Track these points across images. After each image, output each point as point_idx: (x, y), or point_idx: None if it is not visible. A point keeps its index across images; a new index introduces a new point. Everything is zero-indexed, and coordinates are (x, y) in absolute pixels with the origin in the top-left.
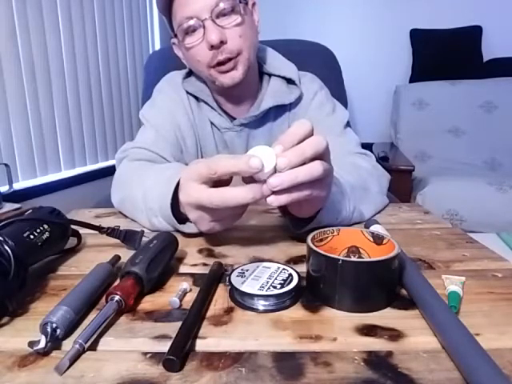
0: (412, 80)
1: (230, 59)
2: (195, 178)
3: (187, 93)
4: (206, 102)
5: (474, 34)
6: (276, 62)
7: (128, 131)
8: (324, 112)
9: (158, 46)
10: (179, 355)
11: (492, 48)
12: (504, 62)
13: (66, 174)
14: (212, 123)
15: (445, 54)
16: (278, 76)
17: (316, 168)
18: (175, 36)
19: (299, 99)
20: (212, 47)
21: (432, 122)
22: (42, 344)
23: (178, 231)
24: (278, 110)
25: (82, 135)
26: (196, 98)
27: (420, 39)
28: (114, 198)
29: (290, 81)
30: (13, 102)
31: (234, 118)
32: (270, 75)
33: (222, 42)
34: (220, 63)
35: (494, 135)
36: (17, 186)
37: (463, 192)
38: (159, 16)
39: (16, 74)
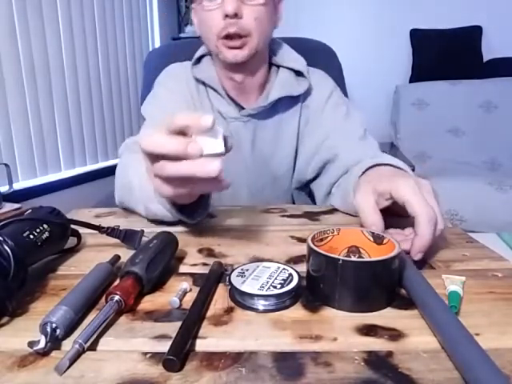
0: (412, 80)
1: (239, 36)
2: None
3: (196, 80)
4: (214, 89)
5: (474, 34)
6: (285, 54)
7: (128, 130)
8: (340, 114)
9: (157, 44)
10: (179, 355)
11: (492, 48)
12: (504, 62)
13: (66, 174)
14: (219, 112)
15: (445, 54)
16: (287, 68)
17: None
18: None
19: (309, 91)
20: (226, 16)
21: (432, 122)
22: (42, 344)
23: (176, 226)
24: (288, 102)
25: (82, 135)
26: (204, 84)
27: (420, 39)
28: (116, 191)
29: (298, 73)
30: (13, 102)
31: (242, 108)
32: (278, 67)
33: (237, 15)
34: (228, 37)
35: (493, 135)
36: (17, 186)
37: (463, 192)
38: (159, 13)
39: (16, 74)
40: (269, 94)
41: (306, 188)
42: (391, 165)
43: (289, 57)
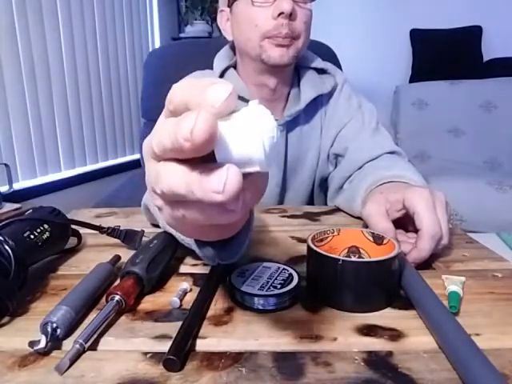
0: (412, 80)
1: (288, 38)
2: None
3: None
4: (247, 101)
5: (474, 33)
6: (305, 54)
7: (128, 130)
8: (352, 105)
9: (157, 44)
10: (179, 355)
11: (492, 48)
12: (504, 62)
13: (66, 174)
14: None
15: (445, 54)
16: (309, 67)
17: None
18: (228, 4)
19: (333, 90)
20: (279, 15)
21: (432, 122)
22: (43, 344)
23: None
24: (309, 108)
25: (82, 135)
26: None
27: (420, 39)
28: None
29: (319, 71)
30: (13, 102)
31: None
32: (299, 68)
33: (291, 16)
34: (278, 36)
35: (494, 135)
36: (17, 186)
37: (463, 192)
38: (159, 14)
39: (16, 74)
40: (298, 96)
41: (325, 184)
42: (406, 182)
43: (307, 56)
